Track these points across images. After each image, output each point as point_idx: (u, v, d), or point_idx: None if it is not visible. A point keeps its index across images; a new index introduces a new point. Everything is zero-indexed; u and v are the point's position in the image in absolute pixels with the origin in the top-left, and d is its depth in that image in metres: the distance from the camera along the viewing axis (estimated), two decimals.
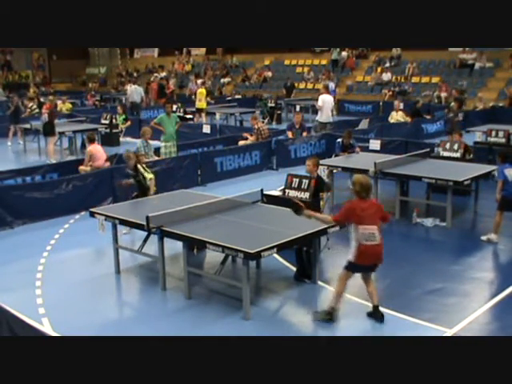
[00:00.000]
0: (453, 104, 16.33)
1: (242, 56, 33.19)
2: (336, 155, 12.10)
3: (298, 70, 30.29)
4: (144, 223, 6.72)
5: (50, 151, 15.54)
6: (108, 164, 11.97)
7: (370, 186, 6.11)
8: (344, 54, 29.04)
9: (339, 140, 12.57)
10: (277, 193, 8.47)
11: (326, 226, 6.76)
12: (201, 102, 20.73)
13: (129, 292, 7.45)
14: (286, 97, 24.93)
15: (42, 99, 21.60)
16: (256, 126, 14.56)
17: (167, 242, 7.06)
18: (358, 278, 7.54)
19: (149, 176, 9.16)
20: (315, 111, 17.57)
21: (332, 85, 23.45)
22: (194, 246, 7.70)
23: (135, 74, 32.05)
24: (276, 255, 7.72)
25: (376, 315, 6.24)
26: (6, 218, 9.52)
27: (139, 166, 9.18)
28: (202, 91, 21.00)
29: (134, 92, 22.32)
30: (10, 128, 18.45)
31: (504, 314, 6.50)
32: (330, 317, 6.18)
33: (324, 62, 30.06)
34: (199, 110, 20.72)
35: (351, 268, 6.18)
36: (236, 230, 6.84)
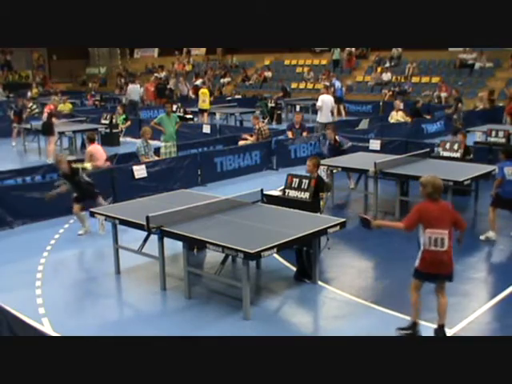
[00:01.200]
0: (460, 105, 16.47)
1: (242, 56, 33.18)
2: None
3: (298, 69, 30.28)
4: (144, 223, 6.72)
5: (49, 151, 15.55)
6: (108, 164, 11.97)
7: (442, 187, 5.67)
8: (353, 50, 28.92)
9: (327, 141, 12.49)
10: (277, 193, 8.46)
11: (325, 226, 6.77)
12: (205, 103, 20.64)
13: (129, 292, 7.45)
14: (283, 97, 24.95)
15: (55, 97, 21.40)
16: (257, 126, 14.56)
17: (167, 241, 7.06)
18: (357, 277, 7.56)
19: (87, 164, 9.39)
20: (315, 111, 17.57)
21: (338, 84, 23.35)
22: (194, 246, 7.70)
23: (123, 80, 32.03)
24: (276, 255, 7.72)
25: (438, 333, 5.72)
26: (5, 218, 9.52)
27: (74, 165, 9.28)
28: (204, 91, 20.89)
29: (133, 91, 22.92)
30: (13, 128, 18.45)
31: (504, 314, 6.50)
32: (412, 331, 5.77)
33: (324, 62, 30.05)
34: (202, 111, 20.68)
35: (417, 275, 5.76)
36: (236, 230, 6.84)
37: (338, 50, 28.77)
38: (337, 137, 11.90)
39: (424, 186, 5.63)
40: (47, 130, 15.60)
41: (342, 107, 22.96)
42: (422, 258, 5.64)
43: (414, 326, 5.77)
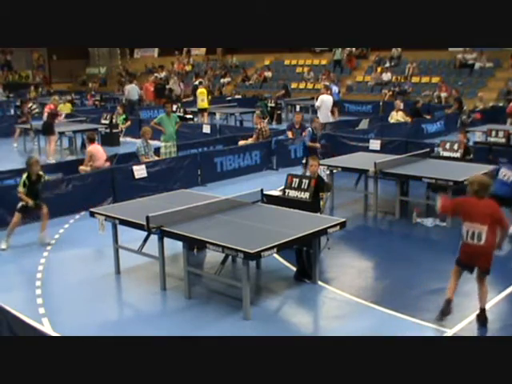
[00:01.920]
0: (466, 107, 16.67)
1: (242, 56, 33.17)
2: (306, 146, 12.06)
3: (298, 69, 30.27)
4: (144, 223, 6.72)
5: (49, 151, 15.56)
6: (108, 164, 11.99)
7: (489, 185, 5.94)
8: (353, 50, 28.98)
9: (310, 128, 12.47)
10: (277, 193, 8.46)
11: (325, 226, 6.76)
12: (203, 102, 20.67)
13: (129, 292, 7.45)
14: (284, 96, 24.98)
15: (55, 97, 21.30)
16: (259, 126, 14.59)
17: (167, 241, 7.06)
18: (357, 277, 7.56)
19: (47, 177, 9.19)
20: (315, 111, 17.57)
21: (335, 88, 23.37)
22: (194, 246, 7.70)
23: (123, 79, 32.20)
24: (276, 255, 7.72)
25: (479, 318, 6.05)
26: (6, 218, 9.50)
27: (40, 173, 9.06)
28: (202, 91, 20.93)
29: (131, 90, 23.13)
30: (16, 129, 18.43)
31: (504, 313, 6.51)
32: (444, 306, 6.05)
33: (324, 61, 30.05)
34: (201, 110, 20.70)
35: (457, 263, 6.11)
36: (236, 230, 6.84)
37: (340, 50, 28.73)
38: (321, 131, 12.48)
39: (471, 183, 5.97)
40: (47, 129, 15.61)
41: (336, 109, 22.86)
42: (461, 249, 5.98)
43: (447, 302, 6.05)
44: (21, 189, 8.84)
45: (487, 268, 5.97)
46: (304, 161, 11.85)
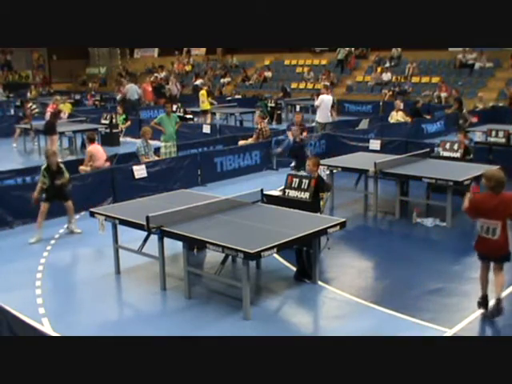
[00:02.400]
0: (465, 111, 16.75)
1: (242, 56, 33.18)
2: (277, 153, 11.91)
3: (298, 69, 30.28)
4: (144, 223, 6.72)
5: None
6: (108, 164, 11.98)
7: (505, 180, 6.03)
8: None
9: (290, 138, 12.29)
10: (277, 193, 8.46)
11: (325, 226, 6.76)
12: (204, 104, 20.71)
13: (129, 292, 7.45)
14: (283, 97, 24.98)
15: (57, 97, 21.21)
16: (259, 126, 14.59)
17: (167, 242, 7.06)
18: (357, 277, 7.57)
19: (67, 175, 9.32)
20: (315, 111, 17.58)
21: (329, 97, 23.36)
22: (194, 246, 7.70)
23: (120, 78, 32.19)
24: (276, 255, 7.72)
25: (493, 307, 6.14)
26: (6, 218, 9.52)
27: (61, 166, 9.28)
28: (203, 93, 21.00)
29: (130, 90, 23.21)
30: (16, 129, 18.40)
31: (504, 313, 6.50)
32: (480, 300, 6.27)
33: (324, 62, 30.06)
34: (204, 112, 20.75)
35: (478, 256, 6.29)
36: (236, 230, 6.84)
37: (345, 49, 28.63)
38: (301, 136, 12.15)
39: (488, 179, 6.03)
40: (49, 129, 15.59)
41: (333, 110, 22.84)
42: (477, 240, 6.20)
43: (482, 297, 6.26)
44: (41, 179, 9.08)
45: (503, 256, 6.09)
46: (292, 164, 11.74)
